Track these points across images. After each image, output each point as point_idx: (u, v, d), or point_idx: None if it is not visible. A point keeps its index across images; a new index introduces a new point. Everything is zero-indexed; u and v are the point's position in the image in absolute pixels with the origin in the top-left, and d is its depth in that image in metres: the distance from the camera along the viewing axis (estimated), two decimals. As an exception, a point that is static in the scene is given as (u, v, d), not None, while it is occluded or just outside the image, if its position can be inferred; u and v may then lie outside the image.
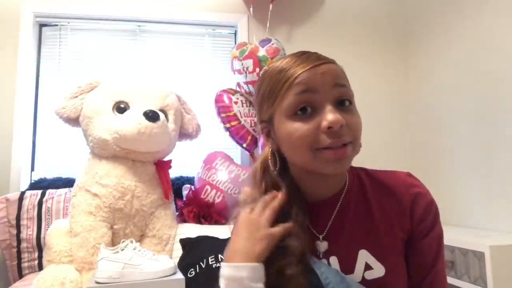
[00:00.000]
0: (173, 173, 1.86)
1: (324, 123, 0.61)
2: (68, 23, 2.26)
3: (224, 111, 2.01)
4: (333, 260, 0.68)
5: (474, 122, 1.94)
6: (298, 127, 0.63)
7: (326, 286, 0.61)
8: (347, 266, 0.67)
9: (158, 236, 1.58)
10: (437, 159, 2.23)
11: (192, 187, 1.93)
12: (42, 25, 2.24)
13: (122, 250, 1.29)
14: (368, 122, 2.67)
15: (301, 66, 0.65)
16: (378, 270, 0.66)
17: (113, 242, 1.50)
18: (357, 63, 2.45)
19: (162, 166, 1.67)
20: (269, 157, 0.73)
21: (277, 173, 0.71)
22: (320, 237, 0.69)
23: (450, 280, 1.58)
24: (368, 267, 0.66)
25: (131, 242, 1.32)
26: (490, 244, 1.42)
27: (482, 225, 1.87)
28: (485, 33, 1.89)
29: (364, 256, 0.66)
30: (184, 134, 1.81)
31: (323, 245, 0.69)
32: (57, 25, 2.25)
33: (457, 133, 2.07)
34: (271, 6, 2.22)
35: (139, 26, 2.33)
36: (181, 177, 2.06)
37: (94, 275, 1.25)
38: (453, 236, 1.67)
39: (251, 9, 2.26)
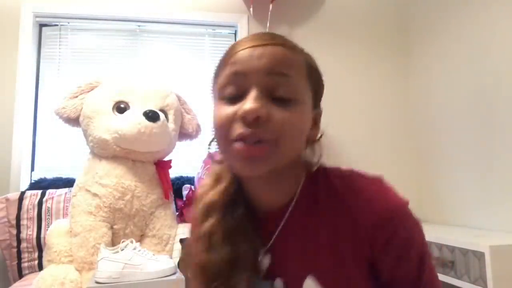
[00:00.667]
0: (173, 173, 1.86)
1: (239, 111, 0.53)
2: (68, 23, 2.26)
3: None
4: (278, 283, 0.59)
5: (474, 122, 1.94)
6: (220, 112, 0.56)
7: None
8: None
9: (158, 236, 1.58)
10: (437, 159, 2.23)
11: (192, 187, 1.93)
12: (42, 25, 2.24)
13: (122, 250, 1.29)
14: (367, 122, 2.68)
15: (242, 45, 0.57)
16: None
17: (113, 242, 1.50)
18: (357, 63, 2.45)
19: (162, 166, 1.67)
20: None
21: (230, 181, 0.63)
22: (262, 251, 0.59)
23: (450, 280, 1.58)
24: None
25: (131, 242, 1.33)
26: (490, 244, 1.42)
27: (482, 225, 1.87)
28: (485, 33, 1.89)
29: (310, 285, 0.56)
30: (184, 134, 1.81)
31: (265, 260, 0.60)
32: (57, 25, 2.25)
33: (457, 133, 2.06)
34: (271, 6, 2.22)
35: (139, 26, 2.33)
36: (181, 177, 2.06)
37: (94, 275, 1.25)
38: (453, 236, 1.67)
39: (251, 9, 2.26)
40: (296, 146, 0.58)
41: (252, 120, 0.52)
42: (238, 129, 0.53)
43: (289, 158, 0.56)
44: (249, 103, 0.52)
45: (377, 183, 0.59)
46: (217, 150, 0.61)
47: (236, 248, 0.58)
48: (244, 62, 0.55)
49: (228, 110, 0.54)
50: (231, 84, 0.55)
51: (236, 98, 0.55)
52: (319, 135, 0.63)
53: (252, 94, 0.53)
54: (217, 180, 0.64)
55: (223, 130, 0.55)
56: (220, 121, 0.55)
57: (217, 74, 0.60)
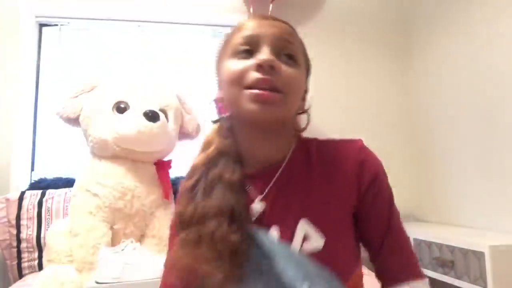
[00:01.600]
0: (173, 173, 1.86)
1: (255, 61, 0.63)
2: (68, 23, 2.26)
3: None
4: (274, 229, 0.64)
5: (474, 122, 1.94)
6: (234, 64, 0.65)
7: (272, 257, 0.60)
8: (286, 236, 0.63)
9: (158, 236, 1.58)
10: (437, 159, 2.23)
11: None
12: (42, 25, 2.24)
13: (122, 250, 1.29)
14: (367, 122, 2.67)
15: (253, 18, 0.69)
16: (317, 241, 0.62)
17: (113, 242, 1.50)
18: (357, 63, 2.45)
19: (162, 166, 1.67)
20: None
21: (224, 132, 0.73)
22: (257, 200, 0.66)
23: (450, 280, 1.58)
24: (306, 238, 0.62)
25: (131, 242, 1.33)
26: (490, 244, 1.42)
27: (482, 225, 1.87)
28: (486, 33, 1.89)
29: (304, 226, 0.63)
30: (184, 134, 1.81)
31: (258, 206, 0.66)
32: (57, 25, 2.25)
33: (457, 133, 2.07)
34: (271, 6, 2.22)
35: (139, 26, 2.33)
36: (181, 177, 2.06)
37: (94, 275, 1.25)
38: (453, 236, 1.67)
39: (251, 9, 2.26)
40: (297, 103, 0.68)
41: (267, 68, 0.61)
42: (255, 75, 0.62)
43: (291, 112, 0.67)
44: (264, 54, 0.63)
45: (359, 141, 0.71)
46: (222, 106, 0.71)
47: (221, 200, 0.63)
48: (257, 28, 0.66)
49: (243, 62, 0.64)
50: (245, 44, 0.65)
51: (248, 55, 0.64)
52: (306, 107, 0.74)
53: (266, 50, 0.63)
54: (205, 146, 0.73)
55: (237, 79, 0.63)
56: (235, 71, 0.64)
57: (227, 40, 0.70)
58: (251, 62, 0.63)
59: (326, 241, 0.62)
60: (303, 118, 0.75)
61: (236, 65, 0.64)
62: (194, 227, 0.62)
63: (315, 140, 0.72)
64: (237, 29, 0.69)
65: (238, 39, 0.66)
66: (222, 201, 0.63)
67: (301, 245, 0.62)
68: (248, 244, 0.60)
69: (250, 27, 0.67)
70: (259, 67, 0.62)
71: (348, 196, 0.65)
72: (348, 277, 0.65)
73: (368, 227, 0.67)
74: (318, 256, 0.61)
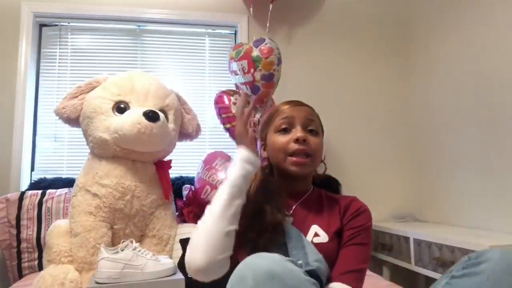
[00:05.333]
0: (173, 173, 1.86)
1: (294, 136, 0.98)
2: (68, 23, 2.26)
3: (224, 112, 2.01)
4: (295, 227, 0.97)
5: (474, 122, 1.95)
6: (279, 138, 1.01)
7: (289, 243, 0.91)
8: (303, 233, 0.96)
9: (158, 236, 1.58)
10: (437, 159, 2.23)
11: (192, 187, 1.93)
12: (42, 25, 2.25)
13: (122, 250, 1.28)
14: (367, 122, 2.66)
15: (287, 104, 1.06)
16: (324, 238, 0.95)
17: (113, 242, 1.50)
18: (357, 62, 2.45)
19: (162, 166, 1.67)
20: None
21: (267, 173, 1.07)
22: (288, 214, 1.00)
23: (450, 280, 1.58)
24: (316, 235, 0.96)
25: (131, 242, 1.32)
26: (490, 244, 1.42)
27: (482, 225, 1.88)
28: (485, 33, 1.89)
29: (314, 228, 0.97)
30: (184, 134, 1.81)
31: (289, 220, 0.99)
32: (57, 25, 2.26)
33: (457, 133, 2.07)
34: (271, 6, 2.22)
35: (139, 26, 2.33)
36: (181, 177, 2.06)
37: (94, 275, 1.25)
38: (453, 236, 1.67)
39: (251, 9, 2.26)
40: (319, 161, 1.04)
41: (302, 140, 0.97)
42: (294, 145, 0.97)
43: (315, 168, 1.05)
44: (299, 132, 0.98)
45: (354, 197, 1.05)
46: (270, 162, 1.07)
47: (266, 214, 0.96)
48: (292, 111, 1.03)
49: (286, 137, 1.00)
50: (285, 123, 1.01)
51: (286, 132, 1.01)
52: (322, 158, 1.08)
53: (299, 128, 1.00)
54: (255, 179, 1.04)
55: (283, 147, 0.99)
56: (280, 143, 1.00)
57: (270, 119, 1.06)
58: (290, 136, 0.99)
59: (329, 239, 0.95)
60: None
61: (281, 139, 1.00)
62: (252, 206, 0.96)
63: (323, 191, 1.09)
64: (278, 112, 1.04)
65: (279, 121, 1.02)
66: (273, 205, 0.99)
67: (312, 239, 0.95)
68: (283, 225, 0.94)
69: (286, 111, 1.03)
70: (297, 140, 0.97)
71: (339, 220, 1.00)
72: None
73: (345, 234, 0.98)
74: (324, 246, 0.93)
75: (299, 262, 0.84)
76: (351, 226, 0.96)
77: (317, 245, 0.92)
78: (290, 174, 0.99)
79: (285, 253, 0.87)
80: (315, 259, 0.87)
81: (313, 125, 1.01)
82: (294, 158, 0.97)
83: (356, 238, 0.95)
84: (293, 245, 0.90)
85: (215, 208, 0.89)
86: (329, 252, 0.93)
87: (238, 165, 0.94)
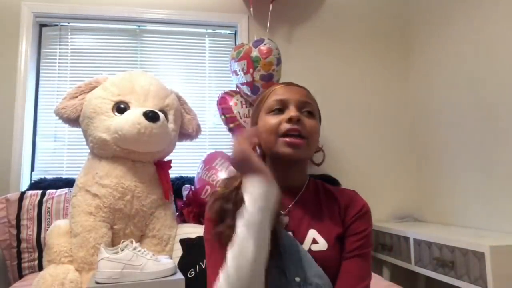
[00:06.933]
0: (173, 173, 1.86)
1: (287, 116, 0.86)
2: (68, 23, 2.26)
3: (227, 112, 2.02)
4: (289, 234, 0.87)
5: (474, 122, 1.94)
6: (270, 119, 0.89)
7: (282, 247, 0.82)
8: (299, 239, 0.86)
9: (158, 237, 1.58)
10: (437, 159, 2.23)
11: (192, 187, 1.93)
12: (42, 25, 2.24)
13: (122, 250, 1.29)
14: (367, 122, 2.65)
15: (281, 85, 0.95)
16: (323, 245, 0.85)
17: (113, 242, 1.50)
18: (357, 62, 2.45)
19: (162, 166, 1.67)
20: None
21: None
22: (283, 213, 0.89)
23: (450, 280, 1.58)
24: (314, 241, 0.85)
25: (131, 242, 1.32)
26: (490, 244, 1.42)
27: (482, 225, 1.87)
28: (485, 33, 1.89)
29: (312, 233, 0.86)
30: (184, 134, 1.81)
31: (284, 221, 0.88)
32: (57, 25, 2.25)
33: (457, 133, 2.07)
34: (271, 6, 2.22)
35: (139, 26, 2.33)
36: (181, 177, 2.06)
37: (94, 275, 1.25)
38: (453, 236, 1.67)
39: (251, 9, 2.26)
40: (315, 145, 0.92)
41: (295, 120, 0.85)
42: (287, 126, 0.85)
43: (311, 152, 0.91)
44: (292, 112, 0.87)
45: (352, 191, 0.96)
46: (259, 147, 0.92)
47: None
48: (286, 91, 0.92)
49: (277, 118, 0.87)
50: (277, 105, 0.89)
51: (280, 113, 0.89)
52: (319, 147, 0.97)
53: (292, 108, 0.88)
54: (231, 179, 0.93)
55: (274, 128, 0.86)
56: (271, 124, 0.87)
57: (262, 100, 0.94)
58: (282, 117, 0.87)
59: (329, 246, 0.85)
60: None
61: (272, 119, 0.88)
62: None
63: (320, 182, 0.97)
64: (271, 92, 0.94)
65: (272, 101, 0.90)
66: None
67: (310, 246, 0.85)
68: (276, 230, 0.81)
69: (281, 92, 0.92)
70: (290, 120, 0.85)
71: (340, 221, 0.89)
72: None
73: (347, 241, 0.88)
74: (323, 255, 0.83)
75: (297, 279, 0.79)
76: (354, 231, 0.87)
77: (315, 254, 0.83)
78: (283, 159, 0.87)
79: (278, 262, 0.80)
80: (315, 274, 0.80)
81: (308, 107, 0.90)
82: (286, 139, 0.84)
83: (360, 248, 0.85)
84: (288, 257, 0.82)
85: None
86: (329, 261, 0.84)
87: (255, 209, 0.74)
